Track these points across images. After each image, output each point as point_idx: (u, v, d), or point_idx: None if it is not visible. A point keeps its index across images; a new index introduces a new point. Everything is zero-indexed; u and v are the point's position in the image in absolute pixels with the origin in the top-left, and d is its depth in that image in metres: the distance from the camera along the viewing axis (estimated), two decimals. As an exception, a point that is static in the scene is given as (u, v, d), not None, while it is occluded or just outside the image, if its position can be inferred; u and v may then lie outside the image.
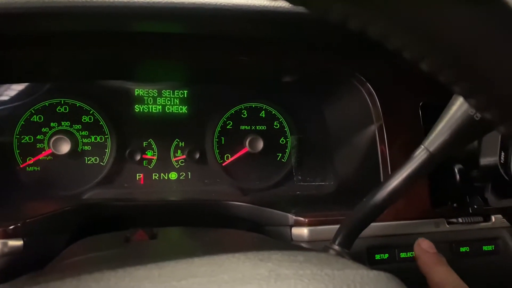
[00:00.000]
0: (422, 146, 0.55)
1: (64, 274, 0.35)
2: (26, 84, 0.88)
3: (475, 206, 0.73)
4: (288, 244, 0.68)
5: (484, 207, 0.72)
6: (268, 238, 0.67)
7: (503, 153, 0.63)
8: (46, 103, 0.89)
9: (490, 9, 0.22)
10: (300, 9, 0.60)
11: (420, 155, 0.55)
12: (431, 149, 0.54)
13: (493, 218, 0.75)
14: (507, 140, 0.63)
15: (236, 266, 0.34)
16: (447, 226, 0.73)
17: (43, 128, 0.89)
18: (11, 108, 0.87)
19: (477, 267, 0.73)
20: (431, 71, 0.25)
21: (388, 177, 0.57)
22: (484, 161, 0.66)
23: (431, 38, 0.23)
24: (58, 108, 0.89)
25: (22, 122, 0.88)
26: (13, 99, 0.88)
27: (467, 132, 0.52)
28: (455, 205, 0.75)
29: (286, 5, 0.61)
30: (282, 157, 1.00)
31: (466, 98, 0.26)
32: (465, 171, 0.72)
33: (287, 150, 1.00)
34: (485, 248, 0.74)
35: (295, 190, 0.98)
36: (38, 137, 0.88)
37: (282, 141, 1.00)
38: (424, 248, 0.62)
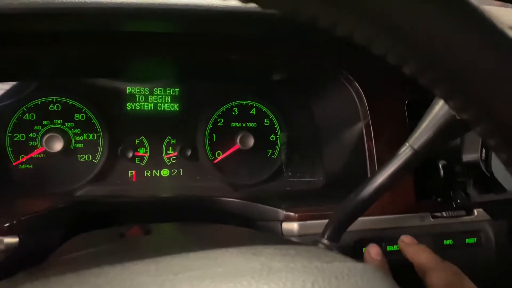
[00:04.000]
0: (407, 144, 0.57)
1: (63, 269, 0.36)
2: (18, 82, 0.88)
3: (459, 201, 0.75)
4: (280, 239, 0.69)
5: (466, 201, 0.75)
6: (260, 233, 0.68)
7: (483, 150, 0.65)
8: (39, 102, 0.89)
9: (460, 12, 0.23)
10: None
11: (405, 152, 0.57)
12: (416, 146, 0.56)
13: (475, 212, 0.78)
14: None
15: (230, 260, 0.36)
16: (432, 219, 0.76)
17: (35, 126, 0.89)
18: (3, 107, 0.87)
19: (460, 259, 0.74)
20: (412, 75, 0.27)
21: (374, 173, 0.59)
22: (466, 157, 0.68)
23: (411, 44, 0.24)
24: (51, 106, 0.90)
25: (14, 120, 0.88)
26: (4, 97, 0.88)
27: (449, 130, 0.54)
28: (439, 199, 0.77)
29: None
30: (272, 153, 1.01)
31: (445, 100, 0.28)
32: (448, 167, 0.74)
33: (277, 147, 1.01)
34: (467, 240, 0.76)
35: (285, 186, 0.99)
36: (31, 135, 0.88)
37: (272, 138, 1.01)
38: (407, 242, 0.66)
